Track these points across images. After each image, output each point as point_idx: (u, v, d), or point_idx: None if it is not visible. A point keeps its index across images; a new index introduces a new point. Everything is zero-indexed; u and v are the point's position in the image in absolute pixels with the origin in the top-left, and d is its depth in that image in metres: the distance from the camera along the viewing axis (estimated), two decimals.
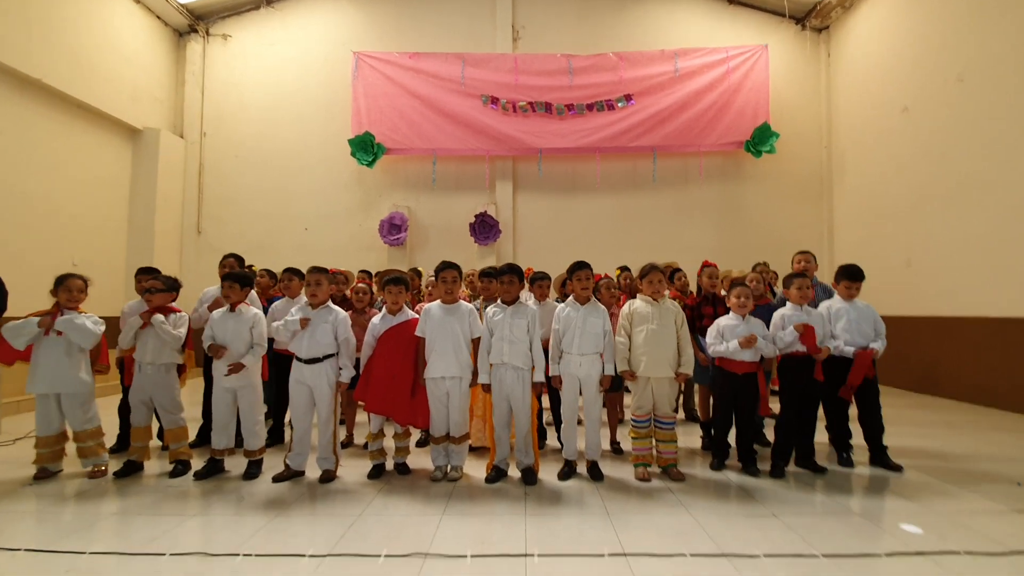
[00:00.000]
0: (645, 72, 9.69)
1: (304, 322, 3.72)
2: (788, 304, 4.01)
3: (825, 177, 9.92)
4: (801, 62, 10.07)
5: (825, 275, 5.44)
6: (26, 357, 3.74)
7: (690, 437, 4.82)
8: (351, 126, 9.65)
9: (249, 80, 10.13)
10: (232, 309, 3.89)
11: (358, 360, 4.03)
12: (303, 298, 4.24)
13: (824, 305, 4.21)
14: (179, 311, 4.01)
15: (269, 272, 5.43)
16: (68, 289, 3.81)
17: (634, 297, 4.02)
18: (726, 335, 3.90)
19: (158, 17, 9.63)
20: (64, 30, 7.70)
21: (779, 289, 5.07)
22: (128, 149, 9.18)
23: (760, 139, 9.60)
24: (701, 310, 4.63)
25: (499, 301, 3.84)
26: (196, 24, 10.02)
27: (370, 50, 9.82)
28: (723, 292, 4.83)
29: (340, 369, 3.80)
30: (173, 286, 4.02)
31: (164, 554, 2.57)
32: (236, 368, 3.75)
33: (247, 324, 3.86)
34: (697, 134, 9.67)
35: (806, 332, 3.76)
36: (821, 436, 4.12)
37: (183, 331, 3.94)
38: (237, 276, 3.94)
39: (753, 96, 9.69)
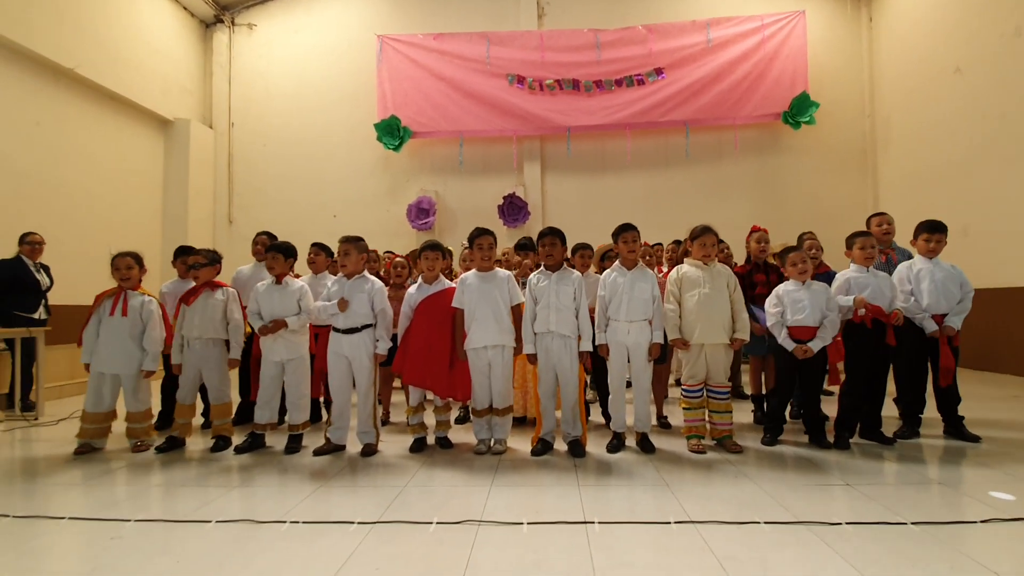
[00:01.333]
0: (676, 44, 9.34)
1: (343, 304, 3.59)
2: (852, 266, 3.74)
3: (869, 146, 9.46)
4: (841, 27, 9.59)
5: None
6: None
7: (737, 413, 4.57)
8: (377, 110, 9.55)
9: (275, 69, 10.10)
10: (278, 282, 3.81)
11: (395, 335, 3.93)
12: (328, 276, 4.17)
13: (904, 266, 3.89)
14: (227, 286, 4.00)
15: None
16: (117, 268, 3.88)
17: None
18: (785, 302, 3.65)
19: (184, 8, 9.67)
20: (94, 21, 7.75)
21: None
22: (160, 140, 9.26)
23: (799, 110, 9.18)
24: (753, 278, 4.38)
25: (542, 268, 3.67)
26: (222, 14, 10.03)
27: (394, 33, 9.69)
28: (772, 261, 4.59)
29: (377, 341, 3.69)
30: (215, 259, 3.99)
31: (210, 521, 2.49)
32: (276, 326, 3.65)
33: (294, 296, 3.78)
34: (732, 106, 9.30)
35: (869, 312, 3.50)
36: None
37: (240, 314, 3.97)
38: (281, 247, 3.84)
39: (790, 65, 9.26)
